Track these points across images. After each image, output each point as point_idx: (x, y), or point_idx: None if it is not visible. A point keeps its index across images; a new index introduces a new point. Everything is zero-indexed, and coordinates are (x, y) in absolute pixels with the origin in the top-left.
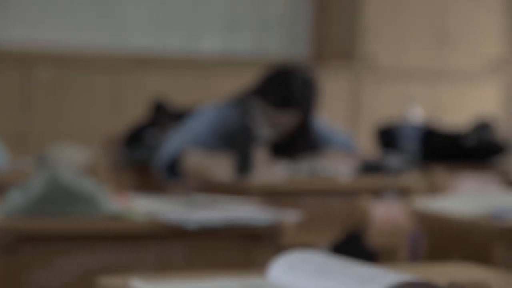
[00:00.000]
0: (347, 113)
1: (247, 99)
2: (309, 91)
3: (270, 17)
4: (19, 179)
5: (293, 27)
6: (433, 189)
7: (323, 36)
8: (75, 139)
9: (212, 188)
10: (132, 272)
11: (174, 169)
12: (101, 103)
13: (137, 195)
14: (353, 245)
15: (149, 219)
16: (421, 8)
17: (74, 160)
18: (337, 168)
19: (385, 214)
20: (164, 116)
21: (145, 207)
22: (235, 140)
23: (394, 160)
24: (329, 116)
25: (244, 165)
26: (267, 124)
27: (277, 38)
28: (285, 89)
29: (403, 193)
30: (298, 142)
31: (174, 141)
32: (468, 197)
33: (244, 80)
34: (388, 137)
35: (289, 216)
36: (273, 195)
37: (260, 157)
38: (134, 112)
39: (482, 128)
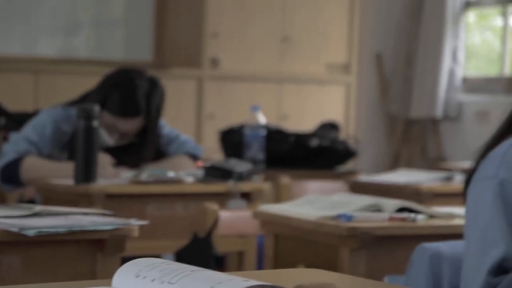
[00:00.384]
0: (192, 119)
1: (87, 105)
2: (151, 98)
3: (111, 20)
4: None
5: (135, 31)
6: (278, 194)
7: (165, 41)
8: None
9: (52, 195)
10: None
11: (10, 175)
12: None
13: None
14: (200, 251)
15: None
16: (264, 15)
17: None
18: (183, 173)
19: (232, 219)
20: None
21: None
22: (73, 145)
23: (239, 165)
24: (174, 121)
25: (84, 170)
26: (110, 130)
27: (118, 42)
28: (126, 98)
29: (248, 198)
30: (143, 148)
31: (8, 147)
32: (313, 202)
33: (83, 84)
34: (232, 142)
35: (134, 222)
36: (116, 201)
37: (102, 162)
38: None
39: (327, 129)
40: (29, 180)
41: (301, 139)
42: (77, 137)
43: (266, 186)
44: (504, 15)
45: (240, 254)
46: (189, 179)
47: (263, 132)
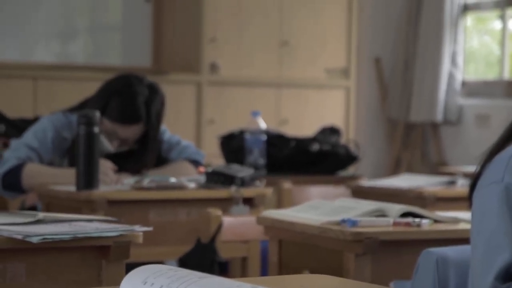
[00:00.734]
0: (191, 124)
1: (88, 111)
2: (152, 105)
3: (108, 25)
4: None
5: (132, 36)
6: (280, 200)
7: (163, 47)
8: None
9: (54, 201)
10: None
11: (11, 182)
12: None
13: None
14: (203, 257)
15: None
16: (262, 19)
17: None
18: (184, 179)
19: (235, 224)
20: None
21: None
22: (73, 152)
23: (241, 170)
24: (173, 127)
25: (86, 177)
26: (110, 137)
27: (115, 48)
28: (126, 105)
29: (250, 203)
30: (143, 154)
31: (8, 154)
32: (316, 207)
33: (81, 89)
34: (232, 147)
35: (138, 229)
36: (118, 208)
37: (104, 168)
38: None
39: (328, 133)
40: (31, 186)
41: (302, 144)
42: (78, 143)
43: (269, 192)
44: (503, 18)
45: (244, 260)
46: (191, 185)
47: (264, 137)
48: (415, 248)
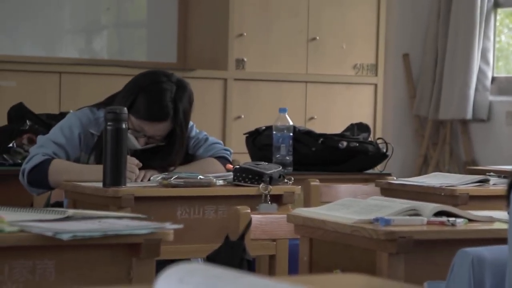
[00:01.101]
0: (218, 120)
1: (115, 107)
2: (179, 102)
3: (133, 21)
4: None
5: (158, 32)
6: (307, 197)
7: (190, 43)
8: None
9: (80, 198)
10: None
11: (37, 178)
12: None
13: (4, 209)
14: (232, 254)
15: (20, 229)
16: (289, 15)
17: None
18: (212, 176)
19: (263, 222)
20: (26, 123)
21: (14, 218)
22: (100, 148)
23: (269, 167)
24: (200, 123)
25: (114, 173)
26: (137, 134)
27: (141, 43)
28: (153, 102)
29: (278, 201)
30: (171, 151)
31: (35, 150)
32: (348, 206)
33: (106, 85)
34: (259, 144)
35: (168, 226)
36: (145, 204)
37: (130, 165)
38: None
39: (356, 130)
40: (57, 183)
41: (329, 140)
42: (105, 140)
43: (297, 189)
44: None
45: (271, 258)
46: (219, 182)
47: (291, 134)
48: (450, 248)
